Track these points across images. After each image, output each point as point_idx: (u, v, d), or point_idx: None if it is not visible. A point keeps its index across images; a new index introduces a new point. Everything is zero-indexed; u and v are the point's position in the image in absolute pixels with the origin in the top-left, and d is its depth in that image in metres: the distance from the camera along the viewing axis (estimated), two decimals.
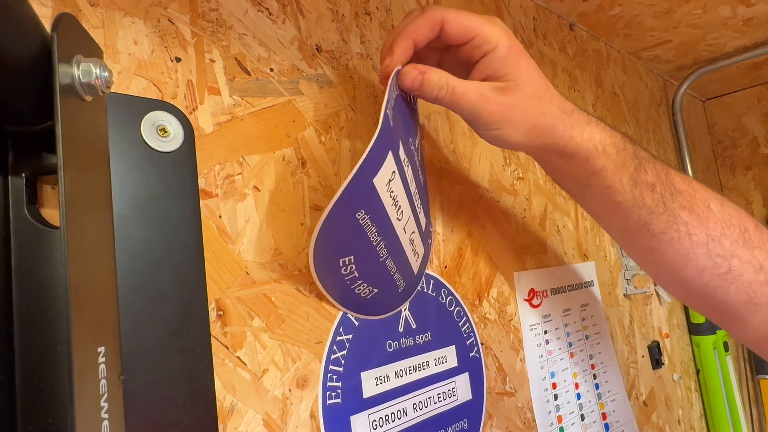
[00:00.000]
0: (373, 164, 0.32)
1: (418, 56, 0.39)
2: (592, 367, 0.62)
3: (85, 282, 0.20)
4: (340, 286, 0.36)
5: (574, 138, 0.39)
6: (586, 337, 0.63)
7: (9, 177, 0.23)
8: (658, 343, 0.77)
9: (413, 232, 0.39)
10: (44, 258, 0.24)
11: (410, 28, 0.37)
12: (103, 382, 0.20)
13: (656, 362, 0.75)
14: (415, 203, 0.39)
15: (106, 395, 0.21)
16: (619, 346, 0.69)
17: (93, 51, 0.23)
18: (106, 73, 0.21)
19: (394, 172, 0.34)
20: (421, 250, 0.42)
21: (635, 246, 0.44)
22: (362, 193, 0.32)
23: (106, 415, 0.20)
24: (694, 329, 0.88)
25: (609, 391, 0.64)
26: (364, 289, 0.37)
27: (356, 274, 0.35)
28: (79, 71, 0.21)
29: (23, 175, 0.24)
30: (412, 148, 0.39)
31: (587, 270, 0.66)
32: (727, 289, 0.40)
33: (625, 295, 0.73)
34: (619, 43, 0.87)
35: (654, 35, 0.85)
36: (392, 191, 0.34)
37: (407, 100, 0.39)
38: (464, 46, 0.37)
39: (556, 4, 0.72)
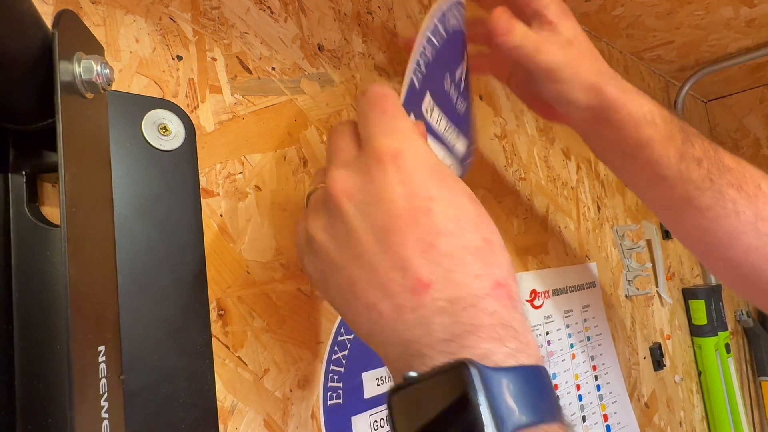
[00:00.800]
0: None
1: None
2: (594, 368, 0.62)
3: (86, 281, 0.19)
4: None
5: (626, 104, 0.38)
6: (588, 339, 0.62)
7: (9, 175, 0.23)
8: (659, 345, 0.77)
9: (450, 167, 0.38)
10: (44, 256, 0.23)
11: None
12: (104, 381, 0.20)
13: (658, 364, 0.75)
14: (447, 140, 0.38)
15: (106, 395, 0.20)
16: (621, 348, 0.69)
17: (94, 48, 0.23)
18: (107, 71, 0.21)
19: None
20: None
21: (679, 222, 0.43)
22: None
23: (106, 415, 0.20)
24: (695, 331, 0.88)
25: (610, 393, 0.63)
26: None
27: None
28: (80, 68, 0.20)
29: (23, 173, 0.23)
30: (448, 83, 0.37)
31: (589, 271, 0.66)
32: None
33: (626, 296, 0.73)
34: (621, 43, 0.86)
35: (656, 36, 0.85)
36: None
37: (449, 27, 0.36)
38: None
39: None
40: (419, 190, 0.24)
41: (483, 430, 0.19)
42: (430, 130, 0.35)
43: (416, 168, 0.25)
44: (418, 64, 0.31)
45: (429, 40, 0.31)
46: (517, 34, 0.37)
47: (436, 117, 0.36)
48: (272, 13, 0.38)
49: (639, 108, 0.39)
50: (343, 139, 0.28)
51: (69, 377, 0.18)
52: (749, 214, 0.39)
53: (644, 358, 0.74)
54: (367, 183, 0.25)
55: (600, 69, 0.39)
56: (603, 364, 0.64)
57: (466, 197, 0.26)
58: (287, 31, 0.39)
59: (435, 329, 0.22)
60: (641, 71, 0.95)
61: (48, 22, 0.25)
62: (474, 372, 0.20)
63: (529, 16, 0.39)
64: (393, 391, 0.22)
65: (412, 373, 0.22)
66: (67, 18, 0.20)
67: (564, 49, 0.38)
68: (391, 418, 0.22)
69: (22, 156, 0.23)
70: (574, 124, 0.44)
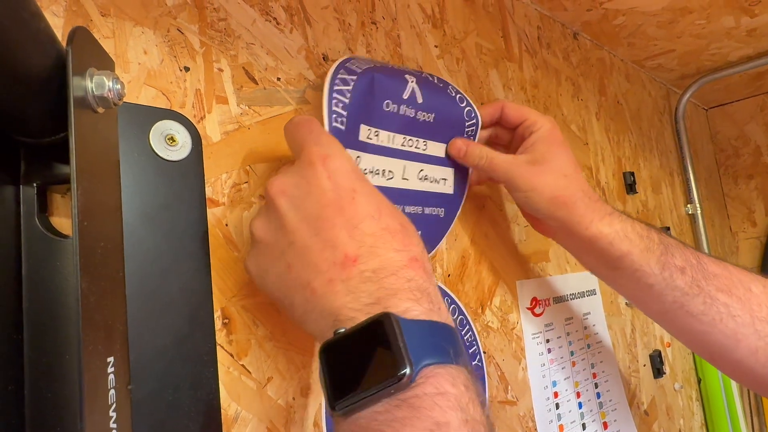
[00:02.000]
0: None
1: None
2: (594, 376, 0.62)
3: (96, 293, 0.20)
4: None
5: (594, 222, 0.43)
6: (588, 346, 0.63)
7: (21, 187, 0.23)
8: (659, 353, 0.77)
9: (421, 170, 0.43)
10: (54, 267, 0.24)
11: (480, 109, 0.47)
12: (112, 392, 0.20)
13: (657, 371, 0.75)
14: (412, 147, 0.43)
15: (114, 405, 0.21)
16: (621, 355, 0.69)
17: (105, 63, 0.23)
18: (119, 86, 0.22)
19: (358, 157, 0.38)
20: (445, 172, 0.45)
21: (679, 328, 0.45)
22: None
23: (115, 425, 0.20)
24: None
25: (610, 401, 0.64)
26: None
27: None
28: (92, 84, 0.21)
29: (34, 185, 0.24)
30: (391, 106, 0.40)
31: (589, 279, 0.66)
32: None
33: (627, 303, 0.73)
34: (623, 51, 0.87)
35: (657, 44, 0.85)
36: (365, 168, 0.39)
37: (360, 65, 0.40)
38: (518, 127, 0.46)
39: (561, 14, 0.72)
40: (344, 184, 0.28)
41: (402, 366, 0.22)
42: (384, 151, 0.40)
43: (342, 167, 0.29)
44: (332, 113, 0.35)
45: (338, 92, 0.36)
46: (473, 153, 0.44)
47: (386, 137, 0.40)
48: (278, 24, 0.38)
49: (609, 226, 0.43)
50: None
51: (79, 388, 0.18)
52: (745, 317, 0.40)
53: (644, 365, 0.74)
54: (300, 180, 0.28)
55: (566, 186, 0.43)
56: (603, 371, 0.64)
57: (382, 195, 0.30)
58: (293, 42, 0.39)
59: (362, 296, 0.26)
60: (642, 79, 0.96)
61: (59, 34, 0.26)
62: (394, 319, 0.24)
63: (524, 139, 0.46)
64: (323, 346, 0.25)
65: (341, 329, 0.25)
66: (80, 35, 0.20)
67: (524, 165, 0.43)
68: (322, 371, 0.24)
69: (33, 168, 0.24)
70: (555, 237, 0.49)
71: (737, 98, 1.19)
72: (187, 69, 0.33)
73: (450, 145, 0.45)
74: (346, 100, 0.36)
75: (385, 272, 0.26)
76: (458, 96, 0.45)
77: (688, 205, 1.00)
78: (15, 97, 0.20)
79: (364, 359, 0.23)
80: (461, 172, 0.47)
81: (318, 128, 0.31)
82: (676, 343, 0.85)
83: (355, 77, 0.37)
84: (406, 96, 0.41)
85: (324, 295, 0.26)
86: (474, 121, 0.46)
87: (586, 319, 0.64)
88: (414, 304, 0.25)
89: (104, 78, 0.21)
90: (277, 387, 0.33)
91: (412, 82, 0.41)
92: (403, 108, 0.41)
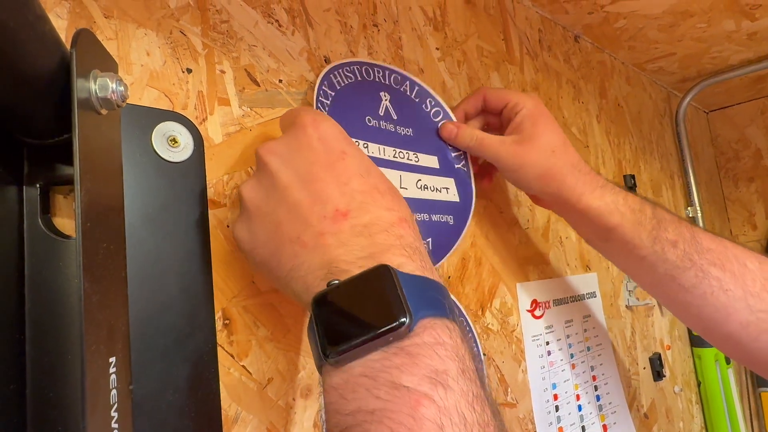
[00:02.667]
0: None
1: (470, 118, 0.49)
2: (594, 378, 0.62)
3: (99, 293, 0.20)
4: None
5: (584, 194, 0.44)
6: (588, 349, 0.63)
7: (24, 187, 0.24)
8: (659, 355, 0.77)
9: (419, 180, 0.44)
10: (56, 267, 0.24)
11: (462, 102, 0.49)
12: (114, 392, 0.21)
13: (657, 374, 0.75)
14: (404, 159, 0.44)
15: (116, 405, 0.21)
16: (621, 358, 0.69)
17: (109, 65, 0.23)
18: (122, 88, 0.22)
19: None
20: (444, 182, 0.46)
21: (671, 300, 0.46)
22: None
23: (116, 425, 0.21)
24: (695, 341, 0.88)
25: (610, 403, 0.64)
26: None
27: None
28: (96, 86, 0.21)
29: (37, 185, 0.24)
30: (371, 120, 0.42)
31: (589, 281, 0.67)
32: None
33: (627, 306, 0.73)
34: (624, 54, 0.87)
35: (658, 48, 0.85)
36: None
37: (335, 83, 0.41)
38: (503, 110, 0.47)
39: (562, 17, 0.72)
40: (335, 145, 0.28)
41: (401, 314, 0.22)
42: (377, 162, 0.41)
43: (331, 130, 0.29)
44: None
45: (321, 104, 0.38)
46: (464, 135, 0.46)
47: (376, 149, 0.42)
48: (280, 26, 0.39)
49: (599, 198, 0.44)
50: None
51: (82, 388, 0.18)
52: (738, 292, 0.41)
53: (644, 368, 0.74)
54: (291, 140, 0.29)
55: (554, 162, 0.44)
56: (603, 374, 0.64)
57: (371, 160, 0.30)
58: (294, 44, 0.39)
59: (354, 249, 0.25)
60: (643, 82, 0.96)
61: (63, 35, 0.26)
62: (392, 271, 0.23)
63: (507, 124, 0.47)
64: (316, 297, 0.24)
65: (335, 281, 0.24)
66: (84, 37, 0.20)
67: (511, 145, 0.44)
68: (314, 322, 0.23)
69: (36, 169, 0.24)
70: (553, 209, 0.50)
71: (738, 101, 1.20)
72: (189, 71, 0.33)
73: (441, 129, 0.46)
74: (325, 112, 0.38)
75: (376, 228, 0.26)
76: (434, 110, 0.47)
77: (689, 208, 1.00)
78: (19, 98, 0.20)
79: (361, 308, 0.23)
80: (463, 180, 0.47)
81: (308, 107, 0.32)
82: (676, 346, 0.85)
83: (333, 93, 0.39)
84: (381, 113, 0.43)
85: (315, 248, 0.26)
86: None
87: (586, 321, 0.64)
88: (407, 260, 0.25)
89: (108, 80, 0.21)
90: (277, 388, 0.34)
91: (386, 99, 0.43)
92: (383, 123, 0.42)
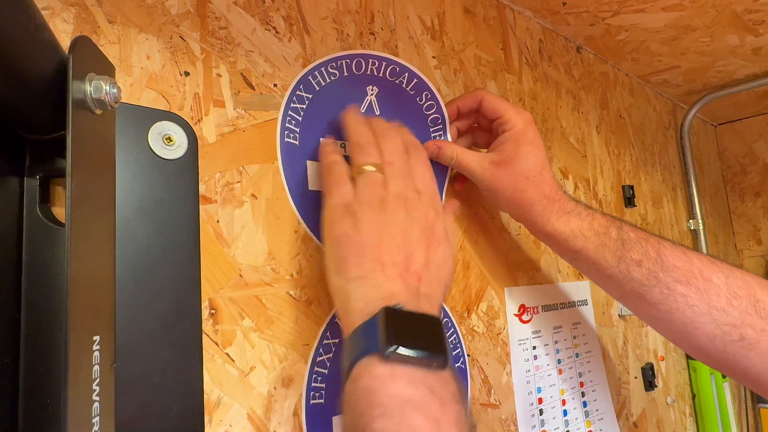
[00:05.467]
0: None
1: (462, 116, 0.51)
2: (581, 384, 0.63)
3: (85, 275, 0.22)
4: None
5: (550, 221, 0.46)
6: (577, 355, 0.64)
7: (25, 178, 0.26)
8: (652, 366, 0.77)
9: None
10: (51, 252, 0.26)
11: (458, 98, 0.50)
12: (96, 368, 0.23)
13: (649, 384, 0.76)
14: None
15: (98, 380, 0.23)
16: (611, 366, 0.70)
17: (105, 69, 0.25)
18: (115, 90, 0.24)
19: None
20: None
21: (642, 314, 0.48)
22: None
23: (98, 398, 0.22)
24: None
25: (597, 410, 0.64)
26: None
27: None
28: (90, 87, 0.23)
29: (37, 177, 0.26)
30: None
31: (581, 289, 0.67)
32: (747, 355, 0.41)
33: (620, 315, 0.74)
34: (627, 66, 0.88)
35: (662, 60, 0.86)
36: None
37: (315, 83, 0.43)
38: (494, 122, 0.48)
39: (563, 28, 0.73)
40: (442, 236, 0.37)
41: (443, 356, 0.30)
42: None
43: (451, 227, 0.40)
44: (284, 130, 0.40)
45: (293, 110, 0.40)
46: (445, 154, 0.48)
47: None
48: (277, 33, 0.41)
49: (565, 225, 0.46)
50: (363, 127, 0.39)
51: (65, 361, 0.20)
52: (702, 307, 0.42)
53: (635, 377, 0.74)
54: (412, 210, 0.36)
55: (525, 189, 0.46)
56: (591, 381, 0.65)
57: (453, 253, 0.39)
58: (291, 50, 0.41)
59: (410, 297, 0.32)
60: (647, 94, 0.96)
61: (69, 38, 0.28)
62: (443, 325, 0.32)
63: (497, 135, 0.48)
64: (387, 309, 0.30)
65: (399, 305, 0.31)
66: (81, 43, 0.22)
67: (488, 166, 0.47)
68: (378, 322, 0.30)
69: (37, 162, 0.26)
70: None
71: (746, 115, 1.19)
72: (187, 74, 0.35)
73: (425, 147, 0.48)
74: (299, 118, 0.40)
75: (425, 300, 0.33)
76: (427, 104, 0.48)
77: (690, 221, 1.00)
78: (21, 98, 0.22)
79: (418, 334, 0.30)
80: (439, 177, 0.49)
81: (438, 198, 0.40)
82: (671, 357, 0.85)
83: (311, 95, 0.41)
84: (363, 109, 0.45)
85: (387, 279, 0.33)
86: (440, 127, 0.50)
87: (576, 328, 0.65)
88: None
89: (102, 83, 0.23)
90: (259, 376, 0.35)
91: (372, 94, 0.45)
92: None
